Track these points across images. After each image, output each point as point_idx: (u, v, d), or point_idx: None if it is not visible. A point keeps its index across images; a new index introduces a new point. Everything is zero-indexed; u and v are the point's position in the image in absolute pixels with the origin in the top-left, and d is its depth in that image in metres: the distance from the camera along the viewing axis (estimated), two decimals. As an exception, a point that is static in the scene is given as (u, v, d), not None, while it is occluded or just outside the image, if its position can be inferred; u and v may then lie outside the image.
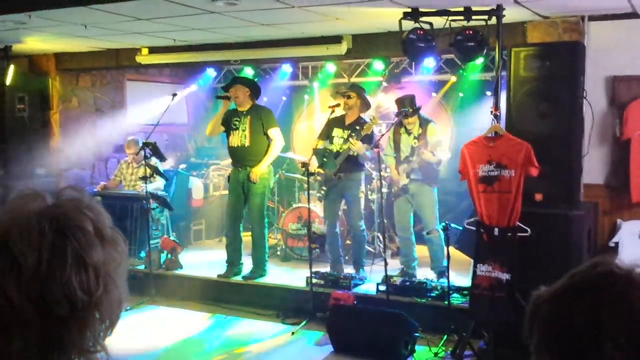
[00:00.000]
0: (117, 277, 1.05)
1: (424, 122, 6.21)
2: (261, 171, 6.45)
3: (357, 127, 6.30)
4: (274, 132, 6.54)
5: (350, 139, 6.26)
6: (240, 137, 6.51)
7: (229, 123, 6.59)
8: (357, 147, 6.16)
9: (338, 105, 6.38)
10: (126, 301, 1.08)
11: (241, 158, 6.56)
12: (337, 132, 6.49)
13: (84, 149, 8.37)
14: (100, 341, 1.04)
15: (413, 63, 7.88)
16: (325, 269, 6.55)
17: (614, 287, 0.96)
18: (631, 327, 0.93)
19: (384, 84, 8.39)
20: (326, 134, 6.53)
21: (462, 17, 4.90)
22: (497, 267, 4.67)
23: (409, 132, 6.24)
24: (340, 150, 6.37)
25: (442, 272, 5.91)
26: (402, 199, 6.33)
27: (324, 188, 6.50)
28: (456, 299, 5.53)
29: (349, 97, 6.40)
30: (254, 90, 6.63)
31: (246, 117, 6.52)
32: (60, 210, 1.02)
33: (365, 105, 6.52)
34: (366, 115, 6.51)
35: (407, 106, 6.08)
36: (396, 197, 6.37)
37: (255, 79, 8.06)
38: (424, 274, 6.27)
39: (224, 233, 7.25)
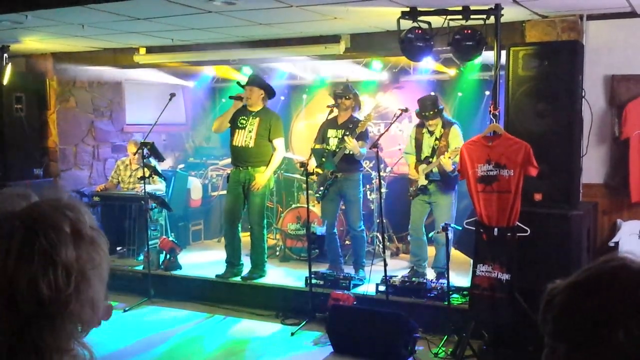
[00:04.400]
0: (93, 277, 1.03)
1: (447, 124, 6.14)
2: (264, 181, 6.43)
3: (351, 126, 6.34)
4: (278, 143, 6.51)
5: (345, 137, 6.27)
6: (245, 138, 6.47)
7: (235, 121, 6.54)
8: (352, 145, 6.16)
9: (336, 106, 6.42)
10: (103, 302, 1.07)
11: (242, 158, 6.53)
12: (331, 133, 6.54)
13: (81, 149, 8.36)
14: (80, 339, 1.03)
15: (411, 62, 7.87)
16: (325, 269, 6.53)
17: (628, 278, 1.00)
18: None
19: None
20: (321, 137, 6.60)
21: (460, 17, 4.89)
22: (496, 267, 4.66)
23: (431, 133, 6.18)
24: (337, 150, 6.40)
25: (442, 273, 5.89)
26: (419, 200, 6.24)
27: (322, 188, 6.49)
28: (456, 300, 5.52)
29: (347, 98, 6.44)
30: (269, 93, 6.60)
31: (255, 118, 6.48)
32: (37, 210, 1.03)
33: (358, 106, 6.61)
34: (358, 114, 6.56)
35: (429, 108, 6.05)
36: (413, 196, 6.27)
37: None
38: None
39: (222, 233, 7.22)
